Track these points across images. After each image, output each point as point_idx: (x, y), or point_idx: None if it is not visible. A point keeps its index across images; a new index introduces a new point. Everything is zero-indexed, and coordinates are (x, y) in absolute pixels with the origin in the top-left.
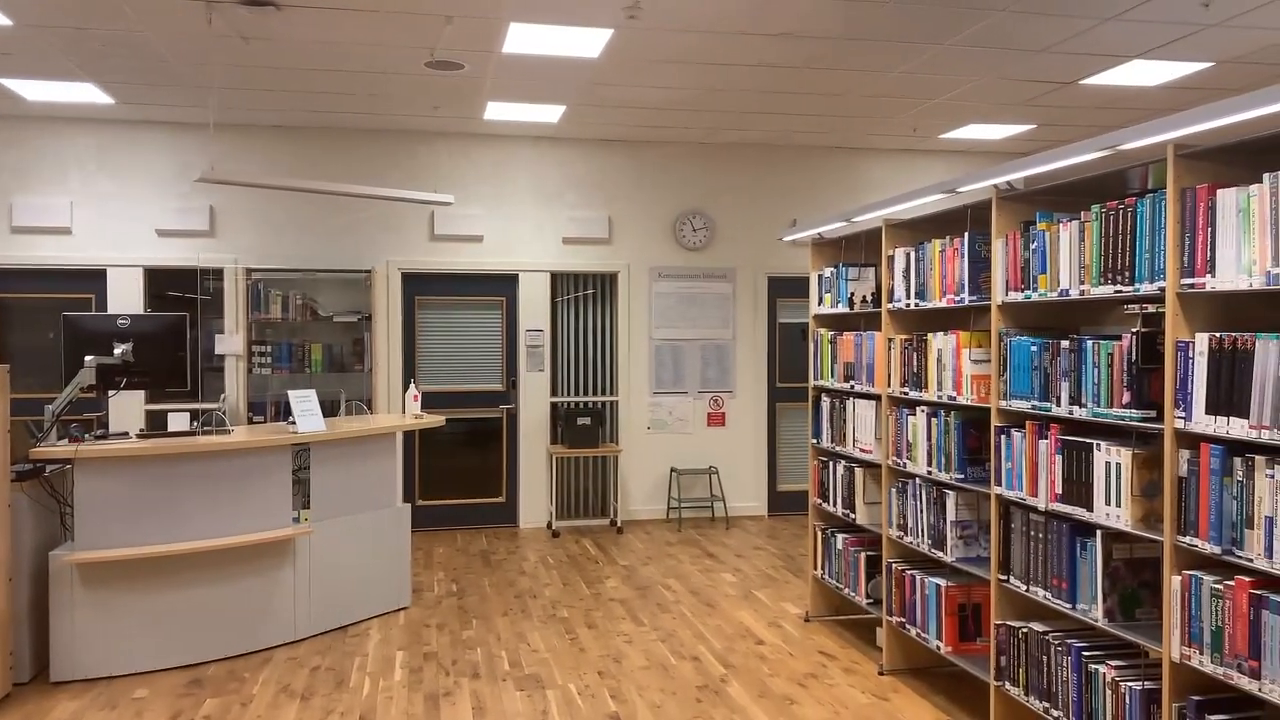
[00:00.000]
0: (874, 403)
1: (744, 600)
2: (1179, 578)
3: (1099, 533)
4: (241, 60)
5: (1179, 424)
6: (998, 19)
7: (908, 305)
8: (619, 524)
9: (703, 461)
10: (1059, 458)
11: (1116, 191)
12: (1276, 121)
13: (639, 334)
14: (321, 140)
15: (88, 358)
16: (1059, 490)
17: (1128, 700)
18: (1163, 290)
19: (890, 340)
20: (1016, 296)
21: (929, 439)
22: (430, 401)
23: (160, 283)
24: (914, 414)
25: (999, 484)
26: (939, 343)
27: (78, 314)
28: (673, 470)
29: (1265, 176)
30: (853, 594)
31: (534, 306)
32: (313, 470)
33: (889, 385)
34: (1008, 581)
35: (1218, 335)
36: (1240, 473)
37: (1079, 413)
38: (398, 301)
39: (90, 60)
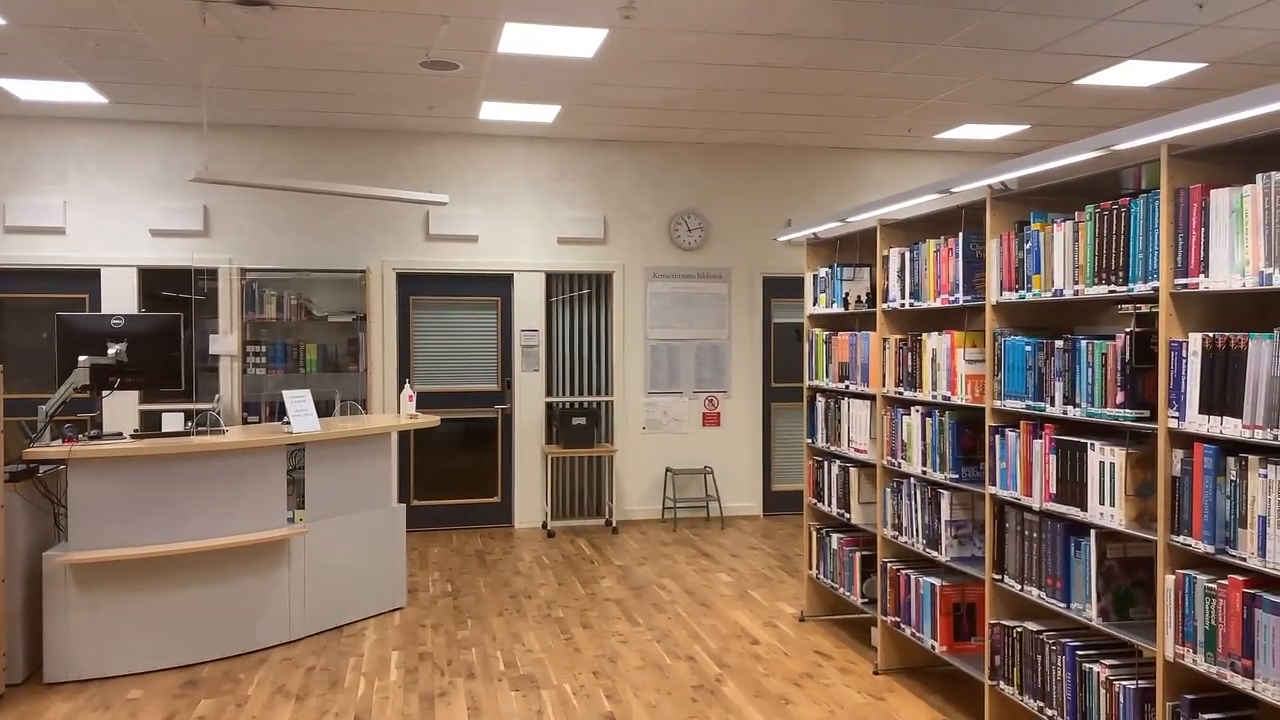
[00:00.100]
0: (869, 402)
1: (739, 600)
2: (1173, 577)
3: (1093, 532)
4: (236, 60)
5: (1172, 424)
6: (992, 19)
7: (902, 305)
8: (614, 524)
9: (698, 461)
10: (1053, 457)
11: (1110, 192)
12: (1270, 122)
13: (634, 334)
14: (316, 140)
15: (82, 358)
16: (1053, 490)
17: (1122, 699)
18: (1156, 290)
19: (885, 340)
20: (1011, 296)
21: (924, 439)
22: (425, 401)
23: (154, 283)
24: (909, 414)
25: (993, 484)
26: (934, 343)
27: (72, 314)
28: (668, 470)
29: (1258, 177)
30: (848, 594)
31: (529, 306)
32: (308, 470)
33: (884, 385)
34: (1002, 581)
35: (1211, 335)
36: (1233, 472)
37: (1073, 412)
38: (393, 301)
39: (84, 60)
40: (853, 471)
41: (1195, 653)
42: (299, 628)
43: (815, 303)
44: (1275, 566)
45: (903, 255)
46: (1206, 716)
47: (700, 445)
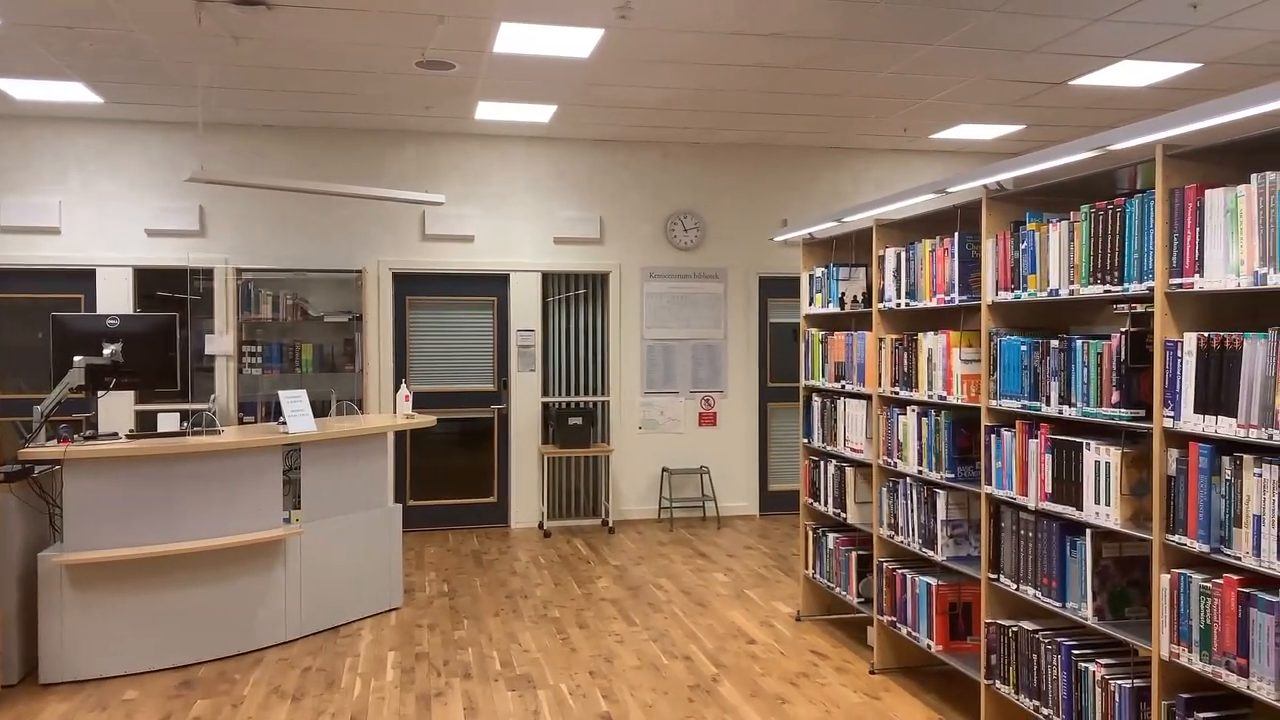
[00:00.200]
0: (865, 402)
1: (735, 600)
2: (1168, 576)
3: (1088, 531)
4: (232, 60)
5: (1168, 423)
6: (987, 19)
7: (898, 305)
8: (610, 524)
9: (694, 461)
10: (1049, 457)
11: (1105, 192)
12: (1264, 122)
13: (630, 334)
14: (312, 140)
15: (77, 358)
16: (1049, 489)
17: (1117, 698)
18: (1151, 290)
19: (881, 340)
20: (1006, 296)
21: (919, 438)
22: (421, 402)
23: (150, 283)
24: (904, 413)
25: (989, 483)
26: (929, 342)
27: (67, 314)
28: (664, 470)
29: (1253, 177)
30: (844, 593)
31: (525, 306)
32: (304, 471)
33: (880, 385)
34: (998, 580)
35: (1206, 335)
36: (1228, 471)
37: (1068, 412)
38: (389, 301)
39: (80, 59)
40: (849, 471)
41: (1190, 652)
42: (295, 628)
43: (811, 303)
44: (1270, 565)
45: (899, 255)
46: (1202, 715)
47: (697, 445)
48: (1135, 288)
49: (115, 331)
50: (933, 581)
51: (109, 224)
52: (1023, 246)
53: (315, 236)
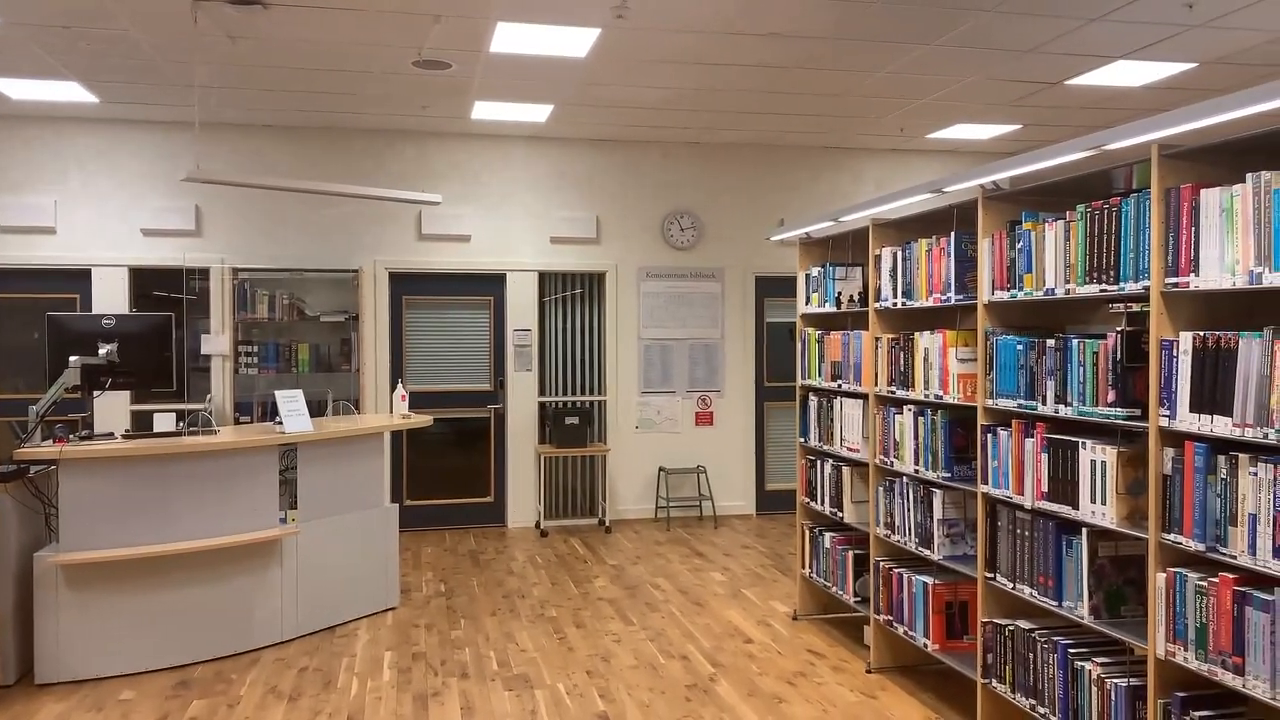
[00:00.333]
0: (861, 402)
1: (732, 599)
2: (1164, 575)
3: (1084, 530)
4: (228, 59)
5: (1163, 422)
6: (984, 19)
7: (894, 304)
8: (607, 523)
9: (691, 461)
10: (1045, 456)
11: (1101, 191)
12: (1259, 122)
13: (627, 333)
14: (308, 139)
15: (72, 358)
16: (1045, 488)
17: (1113, 697)
18: (1147, 289)
19: (877, 339)
20: (1002, 296)
21: (916, 438)
22: (418, 401)
23: (146, 283)
24: (901, 413)
25: (985, 482)
26: (925, 342)
27: (62, 314)
28: (661, 470)
29: (1248, 176)
30: (840, 592)
31: (522, 306)
32: (300, 470)
33: (876, 384)
34: (994, 579)
35: (1201, 334)
36: (1224, 470)
37: (1065, 411)
38: (385, 301)
39: (76, 59)
40: (845, 470)
41: (1186, 650)
42: (291, 628)
43: (808, 302)
44: (1265, 564)
45: (895, 255)
46: (1198, 714)
47: (693, 444)
48: (1131, 287)
49: (111, 331)
50: (929, 580)
51: (105, 224)
52: (1019, 246)
53: (312, 236)
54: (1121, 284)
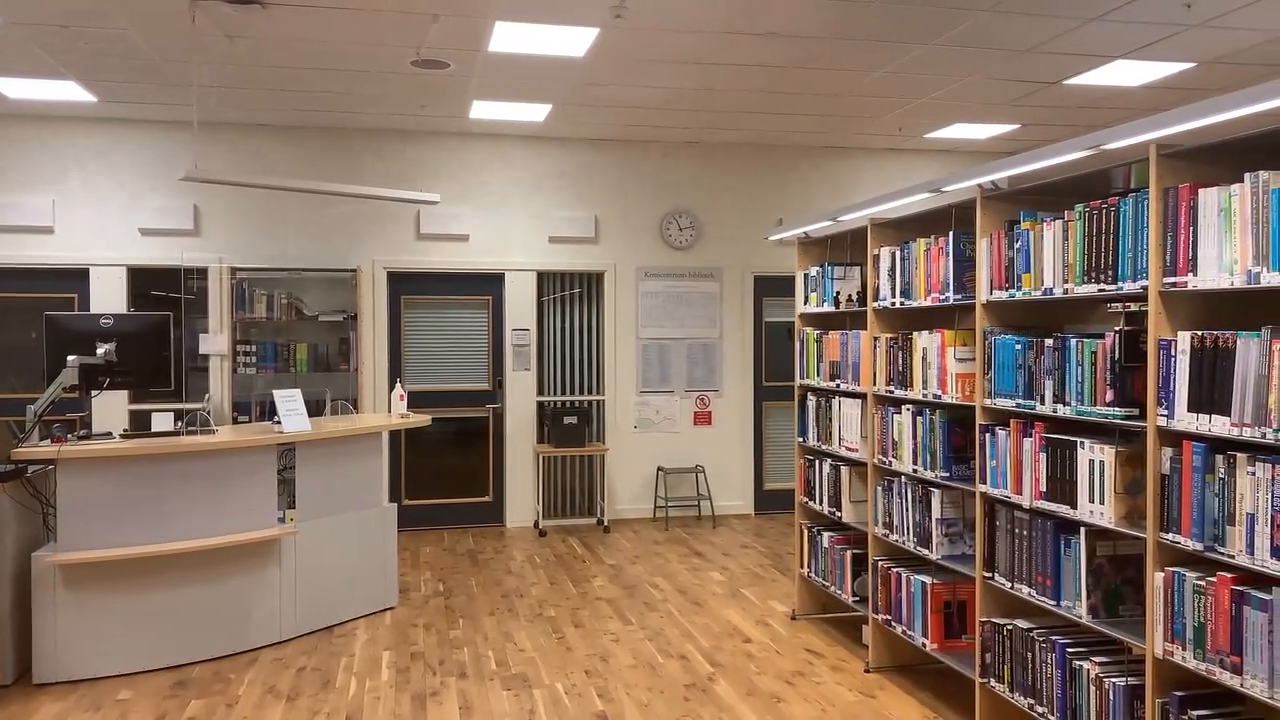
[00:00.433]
0: (859, 401)
1: (731, 599)
2: (1162, 574)
3: (1083, 530)
4: (226, 59)
5: (1161, 422)
6: (982, 19)
7: (893, 304)
8: (606, 523)
9: (689, 460)
10: (1043, 455)
11: (1100, 191)
12: (1257, 121)
13: (626, 333)
14: (307, 139)
15: (70, 357)
16: (1043, 488)
17: (1111, 696)
18: (1145, 289)
19: (876, 339)
20: (1001, 295)
21: (914, 437)
22: (416, 401)
23: (144, 282)
24: (899, 412)
25: (984, 482)
26: (924, 341)
27: (60, 313)
28: (659, 469)
29: (1246, 176)
30: (839, 592)
31: (520, 306)
32: (298, 470)
33: (874, 384)
34: (992, 579)
35: (1200, 334)
36: (1222, 470)
37: (1063, 411)
38: (383, 301)
39: (74, 58)
40: (844, 470)
41: (1184, 650)
42: (290, 628)
43: (806, 302)
44: (1263, 564)
45: (893, 254)
46: (1195, 713)
47: (692, 444)
48: (1129, 287)
49: (109, 331)
50: (928, 580)
51: (103, 223)
52: (1017, 245)
53: (310, 236)
54: (1120, 283)
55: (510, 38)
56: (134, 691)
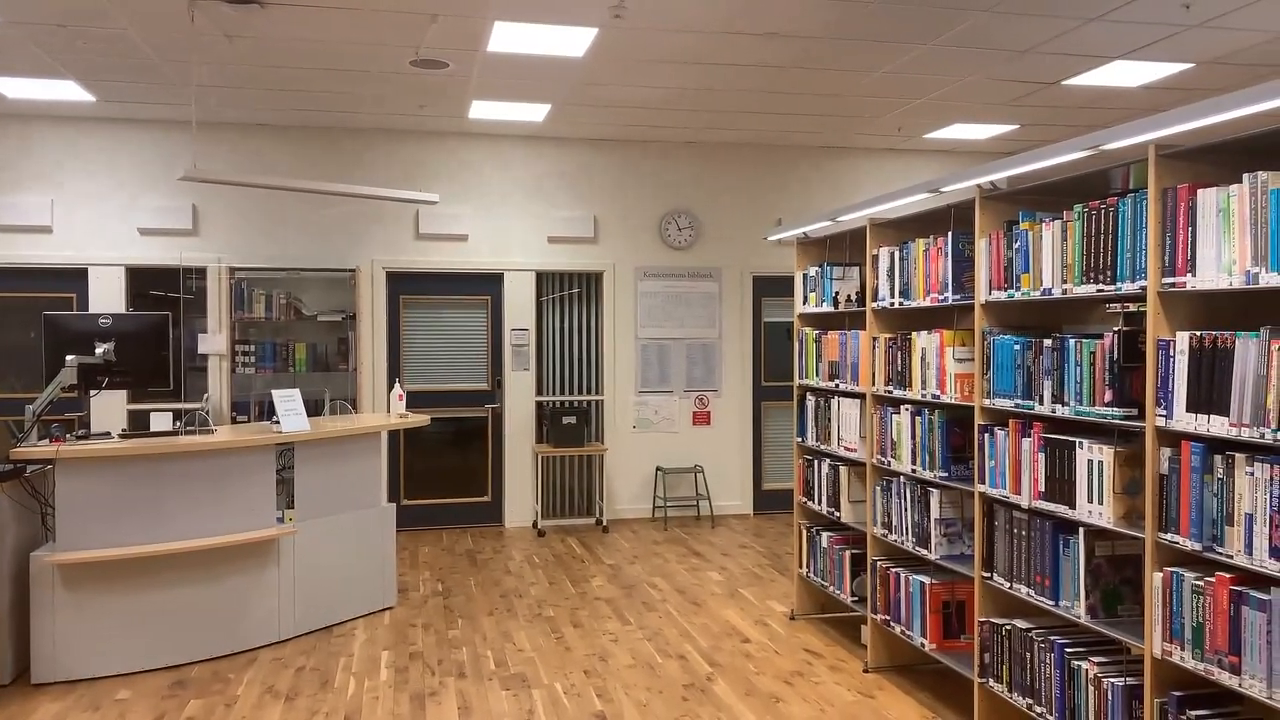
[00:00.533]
0: (858, 401)
1: (730, 599)
2: (1160, 574)
3: (1081, 530)
4: (225, 58)
5: (1160, 422)
6: (981, 19)
7: (892, 304)
8: (605, 523)
9: (688, 460)
10: (1042, 456)
11: (1099, 191)
12: (1256, 122)
13: (624, 333)
14: (306, 139)
15: (69, 357)
16: (1042, 488)
17: (1110, 696)
18: (1144, 289)
19: (875, 339)
20: (1000, 295)
21: (913, 437)
22: (415, 401)
23: (142, 282)
24: (898, 412)
25: (982, 482)
26: (923, 341)
27: (59, 313)
28: (658, 469)
29: (1245, 177)
30: (838, 592)
31: (519, 305)
32: (297, 470)
33: (873, 384)
34: (991, 579)
35: (1198, 334)
36: (1220, 470)
37: (1061, 411)
38: (382, 300)
39: (72, 58)
40: (842, 470)
41: (1182, 650)
42: (288, 628)
43: (805, 302)
44: (1262, 564)
45: (892, 254)
46: (1194, 713)
47: (691, 444)
48: (1128, 287)
49: (108, 331)
50: (926, 580)
51: (102, 223)
52: (1016, 246)
53: (309, 235)
54: (1118, 284)
55: (509, 38)
56: (132, 691)
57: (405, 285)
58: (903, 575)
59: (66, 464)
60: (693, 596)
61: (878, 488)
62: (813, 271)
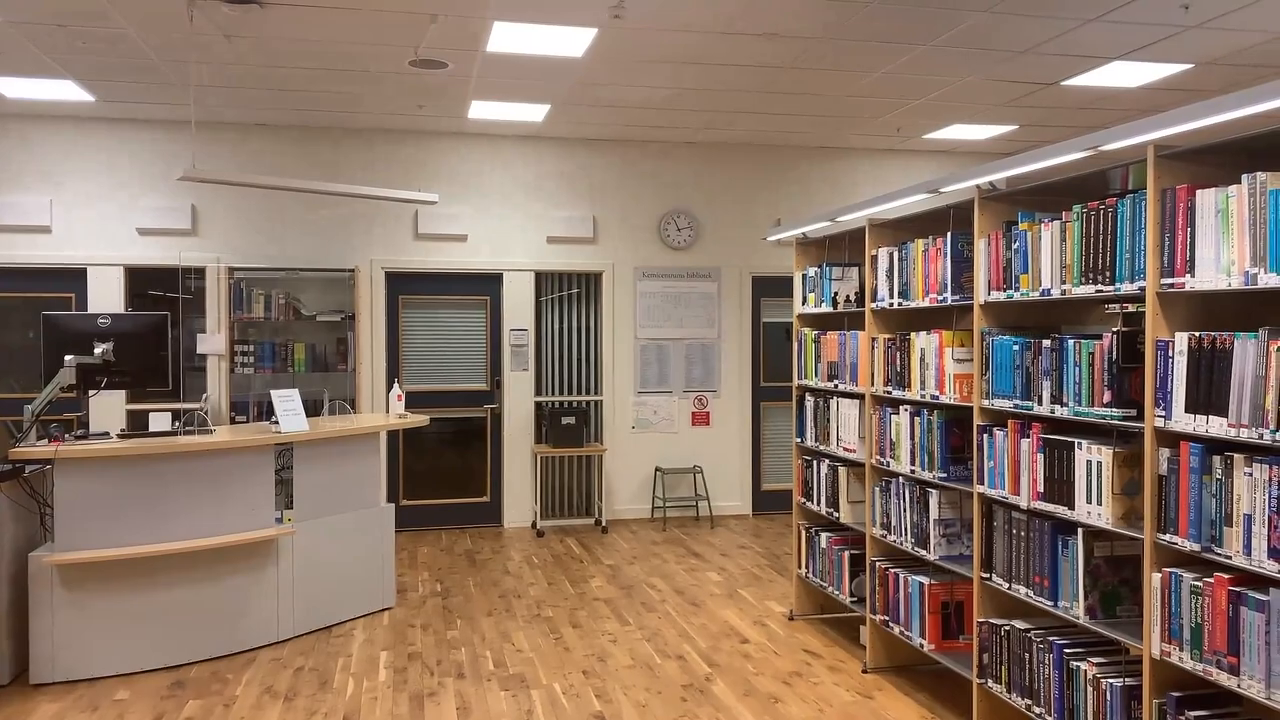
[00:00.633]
0: (857, 402)
1: (729, 599)
2: (1159, 575)
3: (1080, 531)
4: (224, 58)
5: (1159, 423)
6: (980, 20)
7: (891, 305)
8: (604, 523)
9: (687, 461)
10: (1040, 456)
11: (1097, 192)
12: (1255, 123)
13: (624, 333)
14: (305, 139)
15: (68, 357)
16: (1040, 489)
17: (1109, 697)
18: (1143, 290)
19: (874, 340)
20: (999, 296)
21: (912, 438)
22: (414, 401)
23: (141, 282)
24: (897, 413)
25: (981, 482)
26: (922, 342)
27: (58, 313)
28: (657, 470)
29: (1243, 177)
30: (837, 592)
31: (518, 306)
32: (296, 470)
33: (872, 384)
34: (990, 579)
35: (1197, 334)
36: (1219, 471)
37: (1060, 411)
38: (381, 301)
39: (71, 58)
40: (841, 471)
41: (1181, 650)
42: (287, 628)
43: (804, 302)
44: (1260, 565)
45: (891, 255)
46: (1193, 714)
47: (690, 444)
48: (1127, 287)
49: (106, 331)
50: (925, 581)
51: (101, 223)
52: (1015, 246)
53: (308, 235)
54: (1117, 284)
55: (509, 38)
56: (131, 692)
57: (404, 285)
58: (902, 576)
59: (65, 464)
60: (691, 597)
61: (876, 488)
62: (812, 272)
